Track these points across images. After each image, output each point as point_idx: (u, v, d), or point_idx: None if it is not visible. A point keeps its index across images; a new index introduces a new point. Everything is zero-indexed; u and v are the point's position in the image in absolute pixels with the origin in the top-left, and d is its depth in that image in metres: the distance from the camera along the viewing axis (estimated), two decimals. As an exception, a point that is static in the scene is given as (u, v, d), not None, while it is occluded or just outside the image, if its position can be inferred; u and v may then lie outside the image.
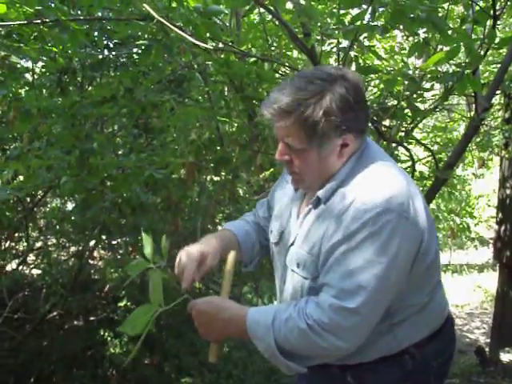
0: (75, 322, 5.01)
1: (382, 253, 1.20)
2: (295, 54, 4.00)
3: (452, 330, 1.52)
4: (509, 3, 3.31)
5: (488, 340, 5.46)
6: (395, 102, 2.58)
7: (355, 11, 2.66)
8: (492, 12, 2.75)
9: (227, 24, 3.56)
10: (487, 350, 5.16)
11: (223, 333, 1.39)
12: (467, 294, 9.03)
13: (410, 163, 3.35)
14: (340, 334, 1.21)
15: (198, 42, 2.04)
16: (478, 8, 2.88)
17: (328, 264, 1.27)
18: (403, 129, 3.12)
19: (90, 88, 3.65)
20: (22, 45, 2.57)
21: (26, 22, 2.29)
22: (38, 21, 2.28)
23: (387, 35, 4.65)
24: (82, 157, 2.58)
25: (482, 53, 2.97)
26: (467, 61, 2.46)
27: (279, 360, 1.27)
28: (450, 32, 3.01)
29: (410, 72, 3.16)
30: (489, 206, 9.26)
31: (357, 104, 1.30)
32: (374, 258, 1.20)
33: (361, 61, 3.44)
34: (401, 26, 2.60)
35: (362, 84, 1.35)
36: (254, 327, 1.30)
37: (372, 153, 1.39)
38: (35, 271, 5.08)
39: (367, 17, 2.58)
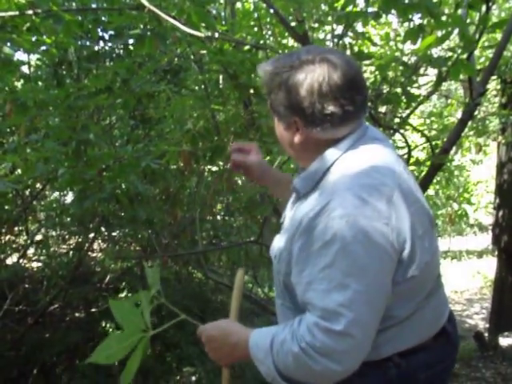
0: (76, 314, 5.04)
1: (356, 265, 1.13)
2: (291, 42, 4.00)
3: (449, 343, 1.41)
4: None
5: (487, 325, 5.48)
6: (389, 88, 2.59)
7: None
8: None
9: (222, 13, 3.56)
10: (486, 335, 5.19)
11: (232, 357, 1.37)
12: (466, 279, 9.07)
13: (406, 150, 3.36)
14: (334, 357, 1.14)
15: (190, 31, 2.04)
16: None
17: (302, 276, 1.21)
18: (399, 115, 3.13)
19: (85, 80, 3.65)
20: (14, 36, 2.56)
21: (18, 13, 2.29)
22: (31, 12, 2.28)
23: (382, 21, 4.65)
24: (79, 148, 2.58)
25: (477, 37, 2.98)
26: (461, 45, 2.45)
27: None
28: (444, 17, 3.02)
29: (405, 58, 3.17)
30: (487, 192, 9.27)
31: (325, 95, 1.23)
32: (348, 271, 1.13)
33: (356, 48, 3.44)
34: (394, 12, 2.59)
35: (342, 79, 1.24)
36: (255, 350, 1.26)
37: (362, 152, 1.29)
38: (35, 264, 5.10)
39: (362, 3, 2.58)
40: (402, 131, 3.28)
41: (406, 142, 3.24)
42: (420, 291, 1.29)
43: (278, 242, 1.37)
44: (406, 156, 3.26)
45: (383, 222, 1.16)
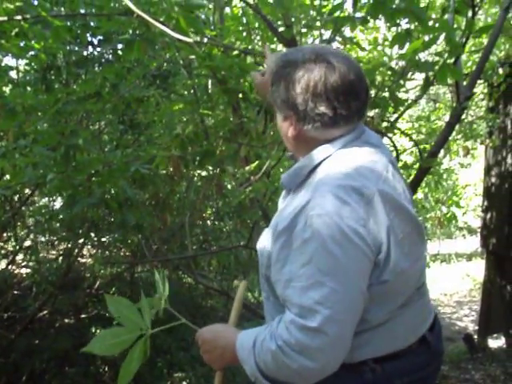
0: (66, 320, 5.02)
1: (333, 264, 1.14)
2: (279, 47, 4.02)
3: (430, 352, 1.39)
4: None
5: (476, 327, 5.52)
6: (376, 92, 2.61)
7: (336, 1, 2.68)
8: (471, 1, 2.79)
9: (210, 18, 3.57)
10: (475, 337, 5.23)
11: (223, 360, 1.36)
12: (456, 282, 9.14)
13: (393, 154, 3.38)
14: (309, 354, 1.14)
15: (178, 36, 2.04)
16: (458, -2, 2.92)
17: (282, 273, 1.22)
18: (387, 119, 3.15)
19: (74, 85, 3.65)
20: (3, 41, 2.56)
21: (6, 18, 2.29)
22: (19, 17, 2.27)
23: (370, 26, 4.68)
24: (68, 153, 2.58)
25: (463, 42, 3.01)
26: (447, 49, 2.48)
27: None
28: (431, 22, 3.05)
29: (393, 63, 3.19)
30: (476, 195, 9.34)
31: (319, 94, 1.25)
32: (325, 269, 1.14)
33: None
34: (381, 17, 2.62)
35: (338, 81, 1.25)
36: (240, 351, 1.28)
37: (351, 153, 1.30)
38: (24, 270, 5.07)
39: (350, 8, 2.60)
40: (390, 135, 3.30)
41: (394, 145, 3.27)
42: (394, 297, 1.29)
43: (264, 236, 1.38)
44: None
45: (360, 223, 1.17)
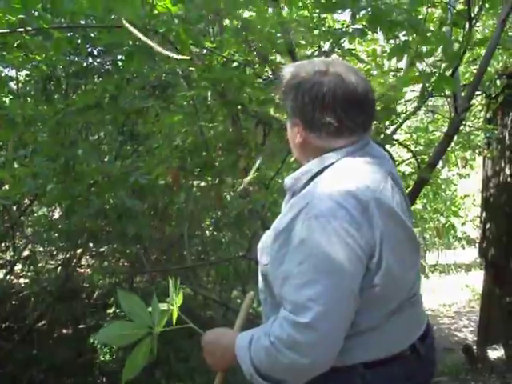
0: (64, 331, 5.00)
1: (328, 263, 1.18)
2: (278, 58, 4.04)
3: (420, 362, 1.41)
4: (487, 5, 3.37)
5: (476, 338, 5.51)
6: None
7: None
8: (468, 15, 2.81)
9: (210, 30, 3.59)
10: (475, 347, 5.21)
11: (224, 360, 1.40)
12: (455, 293, 9.12)
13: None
14: (299, 349, 1.18)
15: (168, 53, 2.04)
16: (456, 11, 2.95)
17: (280, 271, 1.26)
18: (385, 130, 3.17)
19: (74, 96, 3.67)
20: (5, 53, 2.58)
21: (8, 30, 2.30)
22: (21, 29, 2.29)
23: (369, 38, 4.71)
24: (67, 164, 2.59)
25: (461, 53, 3.04)
26: (443, 59, 2.51)
27: (259, 383, 1.27)
28: (429, 34, 3.08)
29: (391, 74, 3.22)
30: (474, 205, 9.35)
31: (326, 105, 1.31)
32: (320, 268, 1.18)
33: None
34: (379, 30, 2.65)
35: (340, 91, 1.31)
36: (238, 350, 1.32)
37: (351, 163, 1.34)
38: (22, 280, 5.06)
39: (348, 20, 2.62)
40: (388, 146, 3.32)
41: (391, 156, 3.28)
42: (385, 302, 1.32)
43: (265, 237, 1.44)
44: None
45: (354, 226, 1.22)
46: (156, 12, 2.40)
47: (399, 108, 4.49)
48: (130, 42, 2.67)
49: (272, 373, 1.26)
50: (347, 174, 1.32)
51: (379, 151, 1.48)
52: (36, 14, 2.73)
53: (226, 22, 3.97)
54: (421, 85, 3.73)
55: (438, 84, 2.50)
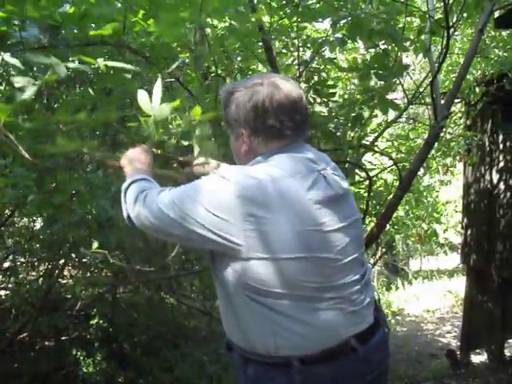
0: (46, 343, 4.94)
1: (183, 196, 1.43)
2: (260, 66, 4.06)
3: (359, 361, 1.44)
4: (465, 15, 3.43)
5: (459, 343, 5.55)
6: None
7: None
8: (446, 24, 2.86)
9: (191, 39, 3.59)
10: (458, 353, 5.25)
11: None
12: (438, 299, 9.18)
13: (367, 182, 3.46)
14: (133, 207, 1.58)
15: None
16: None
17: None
18: (366, 139, 3.20)
19: (55, 105, 3.64)
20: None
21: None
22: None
23: (349, 47, 4.75)
24: (42, 176, 2.57)
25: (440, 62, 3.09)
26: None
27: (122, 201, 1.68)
28: (407, 43, 3.13)
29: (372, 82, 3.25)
30: (456, 211, 9.44)
31: (266, 109, 1.46)
32: (179, 195, 1.44)
33: (324, 73, 3.51)
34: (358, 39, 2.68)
35: (279, 100, 1.46)
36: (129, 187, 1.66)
37: (278, 162, 1.46)
38: (3, 292, 5.00)
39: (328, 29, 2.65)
40: (363, 163, 3.38)
41: (368, 175, 3.32)
42: (304, 288, 1.38)
43: None
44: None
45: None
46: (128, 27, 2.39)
47: (380, 117, 4.55)
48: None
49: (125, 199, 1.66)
50: (260, 167, 1.44)
51: (312, 153, 1.56)
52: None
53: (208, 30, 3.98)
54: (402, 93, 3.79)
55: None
